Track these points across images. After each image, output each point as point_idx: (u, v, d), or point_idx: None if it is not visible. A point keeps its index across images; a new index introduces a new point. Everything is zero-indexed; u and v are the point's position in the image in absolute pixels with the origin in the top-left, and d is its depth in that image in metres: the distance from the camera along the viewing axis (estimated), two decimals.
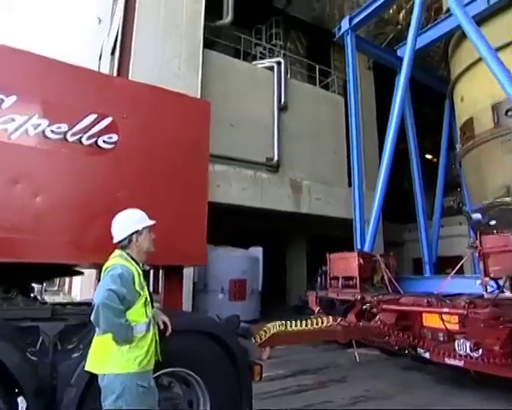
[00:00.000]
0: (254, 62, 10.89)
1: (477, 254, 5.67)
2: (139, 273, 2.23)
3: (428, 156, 15.78)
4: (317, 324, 4.00)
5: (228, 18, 10.71)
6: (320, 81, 11.99)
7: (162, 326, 2.37)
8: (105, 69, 12.32)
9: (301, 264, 12.31)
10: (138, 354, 2.06)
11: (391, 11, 11.73)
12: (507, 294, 4.68)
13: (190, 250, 3.22)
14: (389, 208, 11.31)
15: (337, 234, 9.85)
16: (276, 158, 9.74)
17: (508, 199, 7.10)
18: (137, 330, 2.10)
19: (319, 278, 8.15)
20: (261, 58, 11.45)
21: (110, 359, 2.03)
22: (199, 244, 3.27)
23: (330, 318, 4.21)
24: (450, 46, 9.54)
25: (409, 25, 7.93)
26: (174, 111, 3.30)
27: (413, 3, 7.92)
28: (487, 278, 5.23)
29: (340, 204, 10.36)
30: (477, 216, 7.87)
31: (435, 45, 10.06)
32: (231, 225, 10.24)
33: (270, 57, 11.46)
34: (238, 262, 9.13)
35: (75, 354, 2.27)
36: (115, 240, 2.32)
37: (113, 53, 10.89)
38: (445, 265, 9.36)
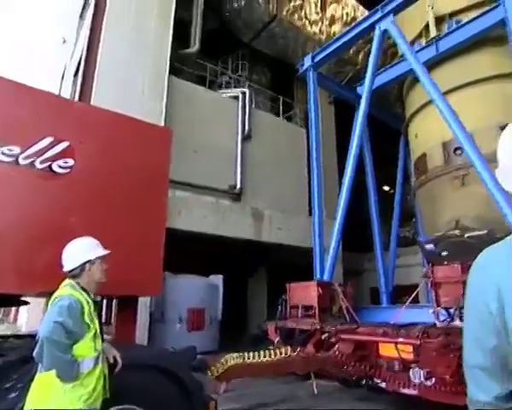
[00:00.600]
0: (220, 91, 11.08)
1: (429, 284, 5.91)
2: (89, 304, 2.14)
3: (386, 188, 16.48)
4: (275, 355, 3.97)
5: (195, 47, 10.90)
6: (283, 112, 12.35)
7: (112, 361, 2.26)
8: (67, 90, 12.08)
9: (262, 292, 12.25)
10: (82, 394, 1.94)
11: (350, 52, 12.39)
12: (457, 323, 4.87)
13: (145, 280, 3.13)
14: (349, 238, 11.58)
15: (298, 262, 9.93)
16: (238, 186, 9.81)
17: (457, 232, 7.49)
18: (84, 366, 1.99)
19: (279, 307, 8.13)
20: (226, 88, 11.67)
21: (52, 398, 1.90)
22: (154, 274, 3.19)
23: (289, 348, 4.19)
24: (404, 87, 10.20)
25: (367, 66, 8.39)
26: (134, 138, 3.28)
27: (371, 47, 8.41)
28: (439, 308, 5.44)
29: (300, 233, 10.51)
30: (430, 247, 8.23)
31: (391, 85, 10.68)
32: (192, 252, 10.09)
33: (236, 87, 11.71)
34: (197, 290, 8.96)
35: (12, 394, 2.10)
36: (66, 268, 2.22)
37: (76, 74, 10.72)
38: (402, 293, 9.63)
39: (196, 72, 11.30)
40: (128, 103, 7.59)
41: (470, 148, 6.26)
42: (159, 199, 3.34)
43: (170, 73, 9.27)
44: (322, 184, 8.88)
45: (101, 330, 2.21)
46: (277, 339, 6.57)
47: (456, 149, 7.84)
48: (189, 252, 10.05)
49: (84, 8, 12.22)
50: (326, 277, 7.72)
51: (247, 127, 10.34)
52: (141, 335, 6.67)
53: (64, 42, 15.48)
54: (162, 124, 8.31)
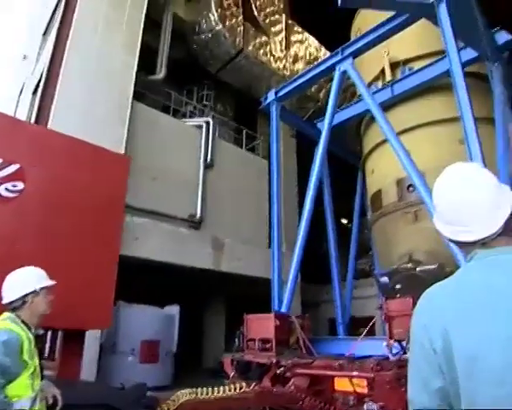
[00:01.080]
0: (183, 120, 11.12)
1: (382, 317, 6.04)
2: (30, 340, 1.99)
3: (344, 221, 16.94)
4: (229, 390, 3.85)
5: (161, 74, 10.96)
6: (246, 144, 12.54)
7: (51, 401, 2.10)
8: (24, 108, 11.65)
9: (220, 324, 12.01)
10: None
11: (313, 89, 12.92)
12: (409, 356, 4.98)
13: (94, 313, 2.97)
14: (308, 270, 11.68)
15: (257, 294, 9.86)
16: (198, 215, 9.73)
17: (409, 265, 7.77)
18: (19, 407, 1.84)
19: (236, 340, 7.98)
20: (190, 116, 11.74)
21: None
22: (104, 307, 3.04)
23: (244, 383, 4.09)
24: (362, 125, 10.70)
25: (328, 103, 8.75)
26: (90, 164, 3.19)
27: (332, 85, 8.82)
28: (392, 341, 5.54)
29: (260, 264, 10.50)
30: (384, 280, 8.47)
31: (350, 123, 11.18)
32: (148, 281, 9.79)
33: (200, 116, 11.81)
34: (152, 321, 8.63)
35: None
36: (5, 300, 2.07)
37: (34, 92, 10.41)
38: (359, 325, 9.76)
39: (161, 99, 11.32)
40: (89, 127, 7.45)
41: (422, 186, 6.59)
42: (113, 227, 3.24)
43: (134, 99, 9.22)
44: (282, 216, 8.99)
45: (41, 366, 2.06)
46: (233, 373, 6.40)
47: (409, 187, 8.23)
48: (145, 280, 9.75)
49: (48, 25, 12.02)
50: (284, 309, 7.69)
51: (209, 156, 10.38)
52: (88, 368, 6.29)
53: (24, 58, 15.08)
54: (123, 149, 8.18)
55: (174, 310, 9.25)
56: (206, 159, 10.33)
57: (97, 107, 8.35)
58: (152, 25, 11.15)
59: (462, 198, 1.23)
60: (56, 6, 11.16)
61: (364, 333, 7.29)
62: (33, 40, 13.95)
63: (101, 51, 8.79)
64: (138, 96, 9.82)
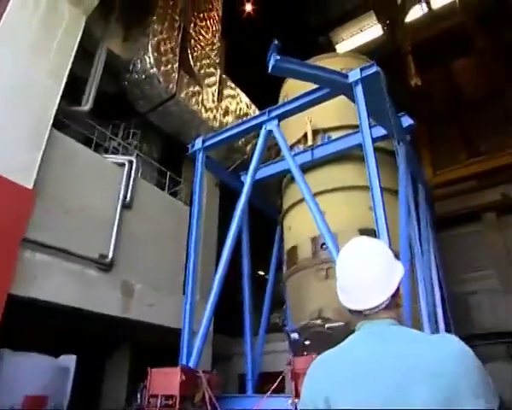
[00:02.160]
0: (105, 155, 10.68)
1: (289, 374, 6.06)
2: None
3: (261, 273, 17.14)
4: None
5: (86, 106, 10.55)
6: (169, 188, 12.36)
7: None
8: None
9: (122, 377, 11.00)
10: None
11: (240, 142, 13.38)
12: None
13: None
14: (221, 320, 11.46)
15: (168, 345, 9.32)
16: (110, 256, 9.12)
17: (319, 322, 8.01)
18: None
19: (138, 396, 7.42)
20: (114, 153, 11.35)
21: None
22: None
23: None
24: (283, 182, 11.25)
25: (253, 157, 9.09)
26: None
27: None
28: (297, 399, 5.54)
29: (173, 313, 10.04)
30: (294, 336, 8.59)
31: (273, 179, 11.69)
32: (44, 326, 8.79)
33: (124, 154, 11.47)
34: (41, 373, 7.62)
35: None
36: None
37: None
38: (270, 381, 9.64)
39: (85, 132, 10.83)
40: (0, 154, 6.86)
41: (333, 246, 6.99)
42: (2, 263, 2.89)
43: (54, 127, 8.69)
44: (199, 263, 8.85)
45: None
46: None
47: (322, 245, 8.68)
48: (39, 325, 8.74)
49: None
50: (192, 362, 7.38)
51: (128, 196, 9.98)
52: None
53: None
54: (34, 176, 7.53)
55: (70, 360, 8.29)
56: (125, 198, 9.91)
57: (12, 130, 7.69)
58: (84, 55, 10.88)
59: (355, 273, 1.39)
60: None
61: (272, 390, 7.23)
62: None
63: (24, 73, 8.24)
64: (60, 125, 9.29)
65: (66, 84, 9.16)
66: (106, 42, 11.36)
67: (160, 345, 10.49)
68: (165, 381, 6.36)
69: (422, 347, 1.18)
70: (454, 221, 16.25)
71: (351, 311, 1.42)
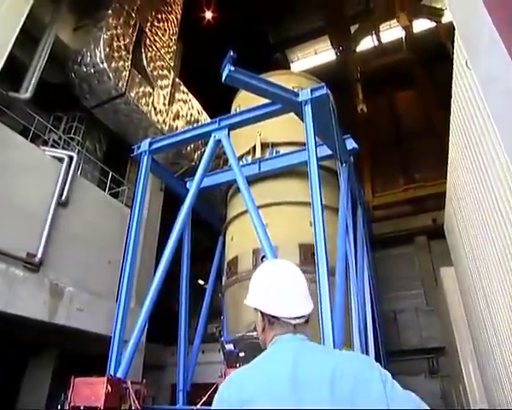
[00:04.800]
0: (43, 148, 10.05)
1: None
2: None
3: (201, 282, 16.93)
4: None
5: (26, 94, 9.90)
6: (111, 188, 11.88)
7: None
8: None
9: (43, 387, 10.16)
10: None
11: (188, 148, 13.23)
12: None
13: None
14: (156, 328, 11.11)
15: (99, 352, 8.78)
16: (39, 255, 8.53)
17: (254, 334, 8.03)
18: None
19: (59, 407, 6.97)
20: (53, 146, 10.72)
21: None
22: None
23: None
24: (229, 192, 11.25)
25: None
26: None
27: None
28: None
29: (105, 319, 9.57)
30: (229, 347, 8.55)
31: (219, 188, 11.64)
32: None
33: (64, 149, 10.87)
34: None
35: None
36: None
37: None
38: (203, 392, 9.45)
39: (23, 121, 10.13)
40: None
41: (273, 258, 7.07)
42: None
43: None
44: (136, 269, 8.55)
45: None
46: None
47: (263, 257, 8.74)
48: None
49: None
50: (121, 371, 7.04)
51: (65, 194, 9.44)
52: None
53: None
54: None
55: None
56: (60, 195, 9.35)
57: None
58: (29, 41, 10.24)
59: (290, 284, 1.48)
60: None
61: (203, 402, 7.12)
62: None
63: None
64: None
65: (6, 67, 8.54)
66: (54, 29, 10.78)
67: (90, 352, 9.93)
68: (90, 391, 6.00)
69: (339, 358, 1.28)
70: (389, 242, 17.21)
71: (273, 322, 1.44)
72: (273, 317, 1.44)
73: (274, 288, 1.47)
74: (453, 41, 4.78)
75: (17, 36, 8.88)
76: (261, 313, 1.48)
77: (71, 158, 9.91)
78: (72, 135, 11.77)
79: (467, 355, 9.31)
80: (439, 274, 11.34)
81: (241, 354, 8.33)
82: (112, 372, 6.92)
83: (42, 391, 10.29)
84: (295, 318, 1.41)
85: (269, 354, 1.39)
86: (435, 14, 17.86)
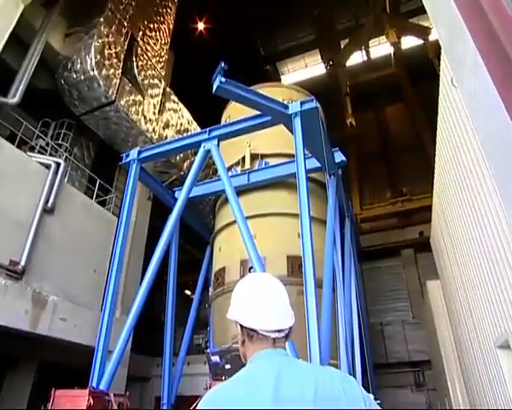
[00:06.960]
0: (30, 154, 9.91)
1: None
2: None
3: (188, 292, 16.78)
4: None
5: (14, 99, 9.79)
6: (99, 196, 11.76)
7: None
8: None
9: (22, 400, 9.86)
10: None
11: (178, 158, 13.18)
12: None
13: None
14: (142, 340, 10.93)
15: (83, 364, 8.56)
16: (23, 263, 8.35)
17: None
18: None
19: None
20: (40, 153, 10.59)
21: None
22: None
23: None
24: (218, 202, 11.22)
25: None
26: None
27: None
28: None
29: (89, 329, 9.39)
30: (215, 359, 8.45)
31: (207, 198, 11.60)
32: None
33: (52, 155, 10.74)
34: None
35: None
36: None
37: None
38: (188, 404, 9.30)
39: (9, 126, 10.01)
40: None
41: (261, 270, 7.04)
42: None
43: None
44: (122, 278, 8.43)
45: None
46: None
47: (250, 268, 8.71)
48: None
49: None
50: (104, 383, 6.89)
51: (51, 201, 9.30)
52: None
53: None
54: None
55: None
56: (47, 202, 9.21)
57: None
58: (19, 45, 10.17)
59: (273, 297, 1.47)
60: None
61: None
62: None
63: None
64: None
65: None
66: (45, 35, 10.72)
67: (72, 364, 9.70)
68: (71, 404, 5.86)
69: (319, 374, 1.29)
70: (376, 254, 17.33)
71: (251, 335, 1.42)
72: (252, 330, 1.41)
73: (253, 301, 1.46)
74: (440, 58, 4.90)
75: (6, 40, 8.83)
76: (241, 326, 1.46)
77: (58, 165, 9.79)
78: (60, 141, 11.64)
79: (452, 369, 9.36)
80: (426, 288, 11.43)
81: (227, 367, 8.23)
82: (94, 384, 6.76)
83: (21, 404, 9.99)
84: (274, 331, 1.39)
85: (249, 371, 1.36)
86: (423, 31, 18.28)
